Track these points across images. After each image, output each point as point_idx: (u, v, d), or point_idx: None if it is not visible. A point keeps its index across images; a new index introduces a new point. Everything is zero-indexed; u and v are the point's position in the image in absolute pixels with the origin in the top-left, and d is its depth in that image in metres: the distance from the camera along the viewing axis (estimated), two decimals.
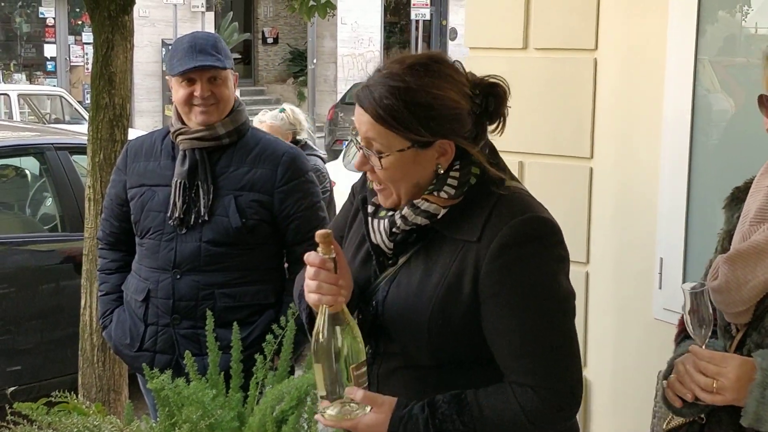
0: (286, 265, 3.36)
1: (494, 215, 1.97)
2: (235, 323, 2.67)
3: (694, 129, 3.18)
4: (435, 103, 1.94)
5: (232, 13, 23.92)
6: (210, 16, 22.57)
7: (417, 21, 24.26)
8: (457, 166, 2.00)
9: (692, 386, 1.97)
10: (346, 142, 13.17)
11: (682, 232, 3.23)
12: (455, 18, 27.33)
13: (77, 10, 21.13)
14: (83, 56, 21.04)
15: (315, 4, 7.27)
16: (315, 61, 21.45)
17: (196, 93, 3.17)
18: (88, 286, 4.51)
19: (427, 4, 23.93)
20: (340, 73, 25.18)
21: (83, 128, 10.48)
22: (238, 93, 3.43)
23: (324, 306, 1.92)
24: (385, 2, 24.15)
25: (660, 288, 3.31)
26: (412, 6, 23.79)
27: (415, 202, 2.01)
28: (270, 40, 26.27)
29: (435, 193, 2.00)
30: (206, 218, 3.17)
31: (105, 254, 3.49)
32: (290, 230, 3.23)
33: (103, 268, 3.49)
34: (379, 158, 1.96)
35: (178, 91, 3.21)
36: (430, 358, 2.03)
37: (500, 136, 2.05)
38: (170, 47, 3.31)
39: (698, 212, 3.21)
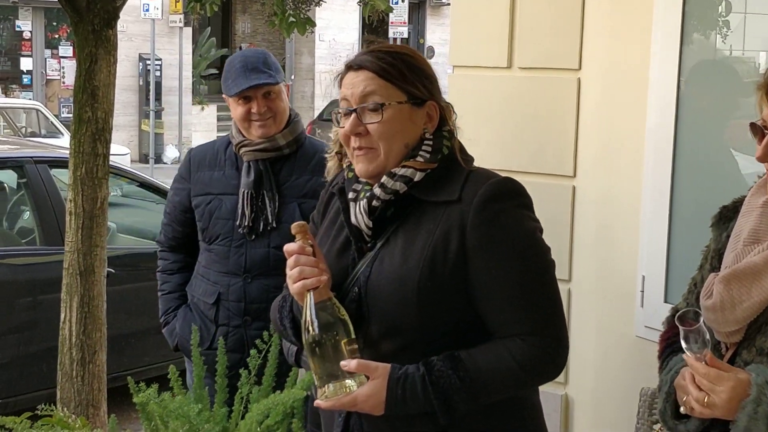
0: None
1: (470, 179, 2.09)
2: (221, 342, 2.76)
3: (677, 148, 3.21)
4: (426, 68, 2.17)
5: (210, 28, 23.88)
6: (188, 31, 22.51)
7: (395, 39, 24.33)
8: (431, 135, 2.14)
9: (687, 397, 1.99)
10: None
11: (665, 250, 3.25)
12: (432, 37, 27.43)
13: (54, 23, 21.02)
14: (60, 70, 20.93)
15: (295, 20, 7.29)
16: (293, 77, 21.46)
17: (254, 110, 3.34)
18: (68, 300, 4.47)
19: (404, 23, 24.01)
20: (318, 90, 25.20)
21: (59, 142, 10.40)
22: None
23: (309, 296, 1.99)
24: (363, 20, 24.19)
25: (642, 306, 3.32)
26: (390, 24, 23.87)
27: (392, 170, 2.09)
28: None
29: (411, 160, 2.10)
30: (274, 225, 3.32)
31: (167, 256, 3.62)
32: None
33: (164, 269, 3.62)
34: (381, 111, 2.07)
35: (236, 109, 3.37)
36: (418, 330, 2.05)
37: None
38: (224, 67, 3.46)
39: (680, 230, 3.23)
